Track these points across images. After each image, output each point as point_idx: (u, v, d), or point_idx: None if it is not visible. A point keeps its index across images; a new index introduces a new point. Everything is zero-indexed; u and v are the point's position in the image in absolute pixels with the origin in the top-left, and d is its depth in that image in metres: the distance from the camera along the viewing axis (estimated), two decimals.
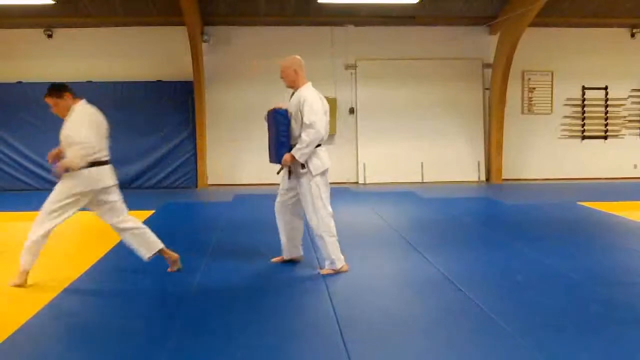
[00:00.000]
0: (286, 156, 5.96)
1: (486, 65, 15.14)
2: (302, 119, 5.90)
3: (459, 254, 7.00)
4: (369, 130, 14.93)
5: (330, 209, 6.10)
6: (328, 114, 6.17)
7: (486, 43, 15.11)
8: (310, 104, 5.90)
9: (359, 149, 14.95)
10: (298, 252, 6.53)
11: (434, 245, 7.46)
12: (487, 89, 15.22)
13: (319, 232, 6.07)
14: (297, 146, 5.91)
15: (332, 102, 14.51)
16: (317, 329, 4.60)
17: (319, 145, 6.04)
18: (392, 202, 11.69)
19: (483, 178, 15.21)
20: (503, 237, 8.08)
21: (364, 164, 14.93)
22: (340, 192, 12.60)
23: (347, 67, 14.90)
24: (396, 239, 7.93)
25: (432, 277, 5.99)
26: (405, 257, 6.95)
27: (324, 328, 4.56)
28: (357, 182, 14.95)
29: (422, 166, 15.04)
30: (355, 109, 14.97)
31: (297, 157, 5.91)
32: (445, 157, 15.06)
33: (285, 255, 6.50)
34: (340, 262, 6.13)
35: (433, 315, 4.91)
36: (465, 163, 15.16)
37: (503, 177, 15.00)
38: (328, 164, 6.11)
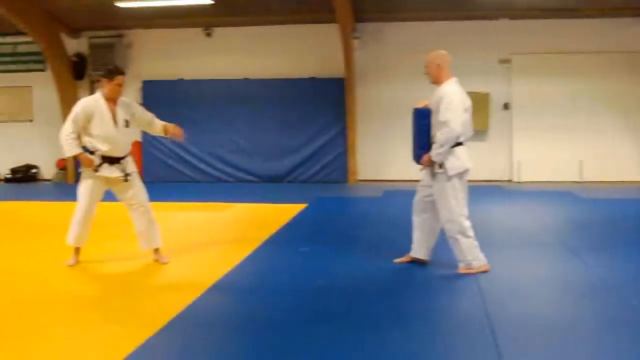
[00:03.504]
0: (425, 157, 5.85)
1: None
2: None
3: (622, 258, 6.57)
4: (524, 127, 14.35)
5: (465, 210, 5.88)
6: (470, 111, 5.93)
7: None
8: (449, 101, 5.70)
9: (514, 146, 14.46)
10: (426, 254, 6.22)
11: (593, 248, 7.06)
12: None
13: (452, 234, 5.88)
14: (434, 146, 5.77)
15: (485, 98, 14.13)
16: (467, 327, 4.51)
17: (460, 144, 5.83)
18: (548, 202, 11.19)
19: None
20: None
21: (519, 162, 14.41)
22: (493, 191, 12.21)
23: (501, 61, 14.44)
24: (551, 240, 7.61)
25: (590, 281, 5.70)
26: (561, 259, 6.65)
27: (475, 326, 4.47)
28: (510, 180, 14.46)
29: (580, 165, 14.29)
30: (509, 105, 14.48)
31: (432, 157, 5.77)
32: (605, 156, 14.21)
33: (413, 254, 6.25)
34: (478, 262, 5.91)
35: (591, 321, 4.65)
36: (628, 161, 14.24)
37: None
38: (468, 164, 5.87)
